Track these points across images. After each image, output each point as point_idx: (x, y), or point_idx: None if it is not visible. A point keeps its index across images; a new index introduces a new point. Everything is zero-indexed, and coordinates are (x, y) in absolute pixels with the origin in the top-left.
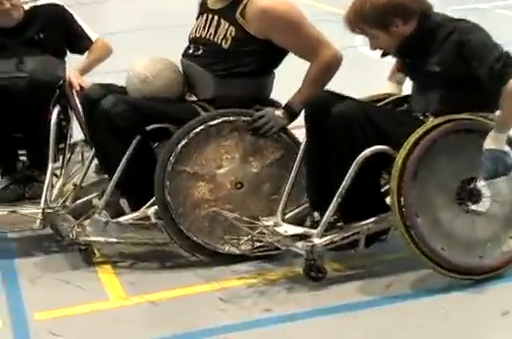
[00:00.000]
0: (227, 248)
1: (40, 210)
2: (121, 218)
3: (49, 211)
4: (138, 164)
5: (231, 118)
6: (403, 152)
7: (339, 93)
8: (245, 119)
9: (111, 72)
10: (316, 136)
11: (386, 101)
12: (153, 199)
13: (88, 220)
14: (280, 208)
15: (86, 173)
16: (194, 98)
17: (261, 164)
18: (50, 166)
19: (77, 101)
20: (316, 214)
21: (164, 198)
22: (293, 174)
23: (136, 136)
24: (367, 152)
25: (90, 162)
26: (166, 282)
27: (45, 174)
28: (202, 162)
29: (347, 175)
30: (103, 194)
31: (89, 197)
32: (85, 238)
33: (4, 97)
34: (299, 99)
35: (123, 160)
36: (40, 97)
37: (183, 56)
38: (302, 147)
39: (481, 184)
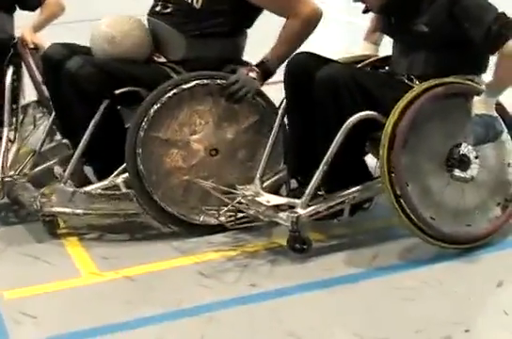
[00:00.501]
0: (202, 218)
1: None
2: (89, 188)
3: (7, 179)
4: (106, 130)
5: (204, 81)
6: (392, 118)
7: (319, 55)
8: (219, 82)
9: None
10: (297, 99)
11: (365, 63)
12: (122, 167)
13: (52, 189)
14: (258, 176)
15: (45, 138)
16: (162, 59)
17: (236, 129)
18: (5, 130)
19: (31, 60)
20: (293, 181)
21: (135, 166)
22: (271, 139)
23: (105, 100)
24: (355, 117)
25: (51, 126)
26: (140, 256)
27: None
28: (175, 128)
29: (334, 142)
30: (63, 161)
31: (49, 163)
32: (49, 209)
33: None
34: (275, 56)
35: (90, 126)
36: None
37: (149, 14)
38: (280, 111)
39: (469, 149)
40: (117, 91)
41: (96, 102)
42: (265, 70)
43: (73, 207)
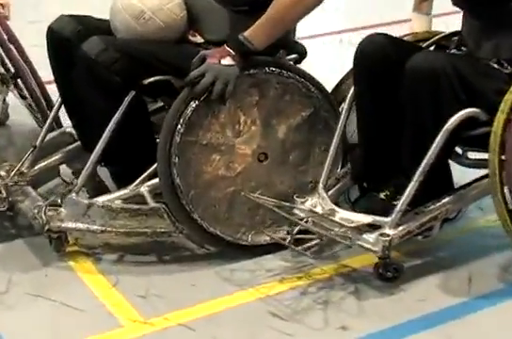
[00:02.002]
0: (251, 237)
1: None
2: (105, 197)
3: (3, 182)
4: (130, 126)
5: (251, 69)
6: (501, 115)
7: (395, 36)
8: (268, 69)
9: None
10: (374, 90)
11: (430, 42)
12: (147, 172)
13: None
14: (322, 185)
15: (47, 131)
16: (199, 39)
17: (286, 127)
18: None
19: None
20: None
21: (171, 178)
22: (336, 137)
23: (130, 91)
24: (459, 116)
25: (54, 117)
26: (186, 292)
27: None
28: (217, 129)
29: (434, 146)
30: (69, 156)
31: (51, 159)
32: (58, 224)
33: None
34: (257, 34)
35: (112, 121)
36: None
37: None
38: (347, 102)
39: None
40: (145, 81)
41: (120, 93)
42: (245, 51)
43: (89, 223)
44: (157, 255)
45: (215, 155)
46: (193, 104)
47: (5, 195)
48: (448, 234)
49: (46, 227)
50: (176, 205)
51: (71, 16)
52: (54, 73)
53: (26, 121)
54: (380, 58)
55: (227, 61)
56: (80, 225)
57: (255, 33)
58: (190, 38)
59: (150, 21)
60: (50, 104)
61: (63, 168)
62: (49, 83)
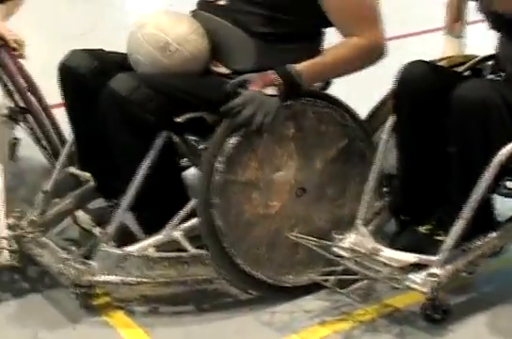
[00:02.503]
0: (292, 279)
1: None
2: (138, 246)
3: (16, 233)
4: (161, 169)
5: (288, 100)
6: None
7: (434, 62)
8: (304, 100)
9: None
10: (416, 120)
11: (466, 67)
12: (180, 215)
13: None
14: (360, 221)
15: (59, 174)
16: (223, 69)
17: (323, 159)
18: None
19: (11, 62)
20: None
21: (211, 221)
22: (376, 169)
23: (163, 130)
24: (508, 149)
25: (66, 157)
26: None
27: None
28: (255, 165)
29: (483, 180)
30: (82, 201)
31: (63, 204)
32: (90, 278)
33: None
34: (311, 70)
35: (144, 165)
36: None
37: (200, 6)
38: (386, 133)
39: None
40: (178, 119)
41: (152, 133)
42: (292, 84)
43: (123, 275)
44: (196, 304)
45: (254, 193)
46: (232, 140)
47: (17, 248)
48: (491, 267)
49: (76, 281)
50: (217, 250)
51: (83, 50)
52: (68, 111)
53: (35, 156)
54: (423, 87)
55: (270, 91)
56: (113, 278)
57: (307, 70)
58: (213, 68)
59: (176, 53)
60: (62, 140)
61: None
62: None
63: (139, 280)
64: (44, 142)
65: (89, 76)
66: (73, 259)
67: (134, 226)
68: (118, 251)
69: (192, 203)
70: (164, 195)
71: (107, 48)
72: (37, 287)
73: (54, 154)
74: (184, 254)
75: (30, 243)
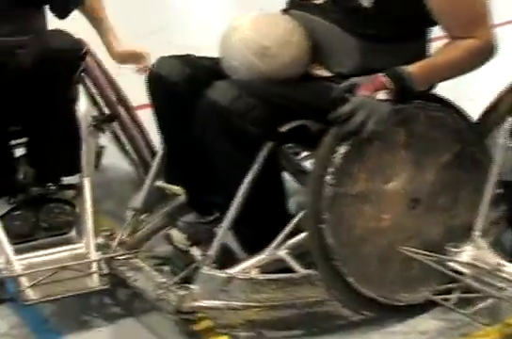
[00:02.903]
0: (404, 297)
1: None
2: (240, 267)
3: (107, 256)
4: (265, 183)
5: (399, 105)
6: None
7: None
8: (417, 103)
9: None
10: None
11: None
12: (284, 232)
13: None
14: (478, 232)
15: (148, 189)
16: (324, 72)
17: (435, 167)
18: (86, 181)
19: (100, 74)
20: None
21: (322, 239)
22: (494, 175)
23: (267, 142)
24: None
25: (157, 170)
26: None
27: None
28: (365, 176)
29: None
30: (172, 219)
31: (153, 224)
32: (193, 304)
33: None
34: (420, 74)
35: (248, 179)
36: (61, 74)
37: (291, 5)
38: (502, 136)
39: None
40: (283, 129)
41: (255, 144)
42: (404, 87)
43: (228, 299)
44: (307, 328)
45: (365, 206)
46: (341, 150)
47: (108, 271)
48: None
49: (178, 308)
50: (328, 268)
51: (173, 57)
52: (159, 121)
53: (120, 165)
54: None
55: (382, 96)
56: (217, 303)
57: (417, 72)
58: (313, 71)
59: (276, 58)
60: (151, 151)
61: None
62: None
63: (245, 304)
64: (131, 152)
65: (182, 84)
66: (173, 284)
67: (234, 245)
68: (222, 275)
69: (296, 219)
70: (267, 210)
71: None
72: (129, 311)
73: (142, 165)
74: (293, 275)
75: (122, 266)
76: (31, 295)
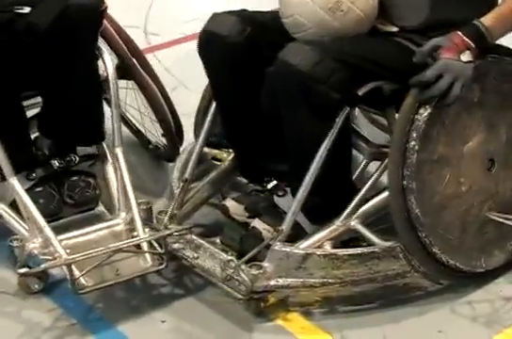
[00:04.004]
0: (483, 263)
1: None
2: (311, 241)
3: (161, 234)
4: (338, 150)
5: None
6: None
7: None
8: (491, 58)
9: None
10: None
11: None
12: (354, 202)
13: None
14: None
15: (197, 161)
16: (391, 27)
17: (508, 124)
18: (119, 151)
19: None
20: None
21: (406, 209)
22: None
23: (344, 106)
24: None
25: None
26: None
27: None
28: (444, 139)
29: None
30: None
31: (199, 194)
32: (266, 284)
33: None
34: (493, 24)
35: (323, 147)
36: (82, 34)
37: None
38: None
39: None
40: (360, 92)
41: (334, 111)
42: (485, 45)
43: (305, 276)
44: (387, 302)
45: (445, 172)
46: (424, 113)
47: (162, 250)
48: None
49: (250, 288)
50: (413, 240)
51: (229, 14)
52: (215, 86)
53: None
54: None
55: (466, 57)
56: (293, 281)
57: (493, 26)
58: (379, 26)
59: (349, 13)
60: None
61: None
62: None
63: (323, 281)
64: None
65: (243, 45)
66: (240, 264)
67: (300, 217)
68: (299, 251)
69: (365, 188)
70: (338, 179)
71: None
72: (191, 291)
73: (162, 123)
74: (376, 249)
75: (176, 243)
76: (84, 282)
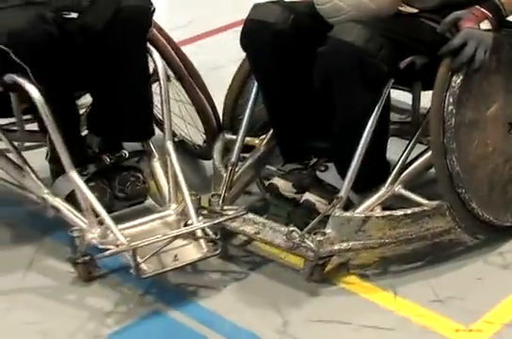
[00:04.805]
0: (510, 217)
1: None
2: (363, 206)
3: (218, 220)
4: (382, 120)
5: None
6: None
7: None
8: (504, 31)
9: None
10: None
11: None
12: (398, 166)
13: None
14: None
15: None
16: (410, 9)
17: None
18: (170, 145)
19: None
20: None
21: (448, 168)
22: None
23: (390, 79)
24: None
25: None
26: (477, 287)
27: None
28: (472, 104)
29: None
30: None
31: (244, 176)
32: (331, 248)
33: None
34: (508, 1)
35: (372, 118)
36: (135, 35)
37: None
38: None
39: None
40: (401, 65)
41: (382, 83)
42: (501, 17)
43: (365, 238)
44: (432, 257)
45: (475, 134)
46: (457, 80)
47: (218, 236)
48: None
49: (317, 254)
50: (455, 196)
51: (271, 3)
52: (261, 73)
53: None
54: None
55: (485, 26)
56: (354, 244)
57: (508, 2)
58: (402, 9)
59: None
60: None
61: None
62: None
63: (382, 241)
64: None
65: (289, 31)
66: (308, 230)
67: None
68: (360, 215)
69: (405, 154)
70: (380, 148)
71: None
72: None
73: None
74: (426, 208)
75: (235, 222)
76: (145, 268)
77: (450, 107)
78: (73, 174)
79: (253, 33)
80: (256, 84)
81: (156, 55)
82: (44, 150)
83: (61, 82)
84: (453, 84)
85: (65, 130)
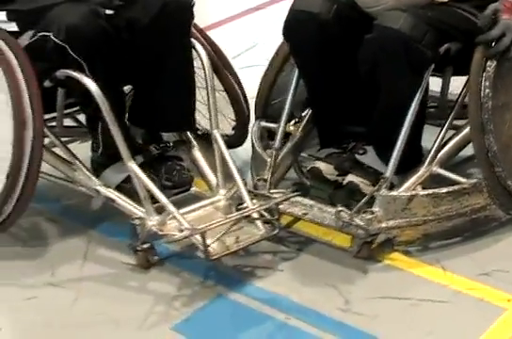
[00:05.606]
0: None
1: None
2: (405, 186)
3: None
4: (422, 103)
5: None
6: None
7: None
8: None
9: None
10: None
11: None
12: (435, 147)
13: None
14: None
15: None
16: None
17: None
18: (217, 134)
19: None
20: None
21: (485, 148)
22: None
23: (431, 64)
24: None
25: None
26: None
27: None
28: (504, 89)
29: None
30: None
31: (285, 161)
32: (379, 226)
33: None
34: None
35: (415, 101)
36: (179, 28)
37: None
38: None
39: None
40: (441, 50)
41: (425, 67)
42: None
43: (410, 216)
44: (470, 233)
45: (507, 115)
46: (492, 65)
47: (276, 217)
48: None
49: (368, 232)
50: (492, 174)
51: None
52: (305, 61)
53: None
54: None
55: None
56: (400, 221)
57: None
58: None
59: None
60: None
61: None
62: None
63: (426, 218)
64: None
65: (332, 21)
66: (357, 209)
67: (381, 166)
68: (406, 193)
69: (441, 135)
70: (418, 131)
71: None
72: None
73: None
74: (466, 185)
75: (283, 205)
76: (212, 250)
77: (487, 91)
78: (132, 164)
79: (298, 23)
80: (297, 72)
81: (199, 46)
82: (75, 144)
83: (113, 76)
84: (488, 69)
85: (118, 122)
